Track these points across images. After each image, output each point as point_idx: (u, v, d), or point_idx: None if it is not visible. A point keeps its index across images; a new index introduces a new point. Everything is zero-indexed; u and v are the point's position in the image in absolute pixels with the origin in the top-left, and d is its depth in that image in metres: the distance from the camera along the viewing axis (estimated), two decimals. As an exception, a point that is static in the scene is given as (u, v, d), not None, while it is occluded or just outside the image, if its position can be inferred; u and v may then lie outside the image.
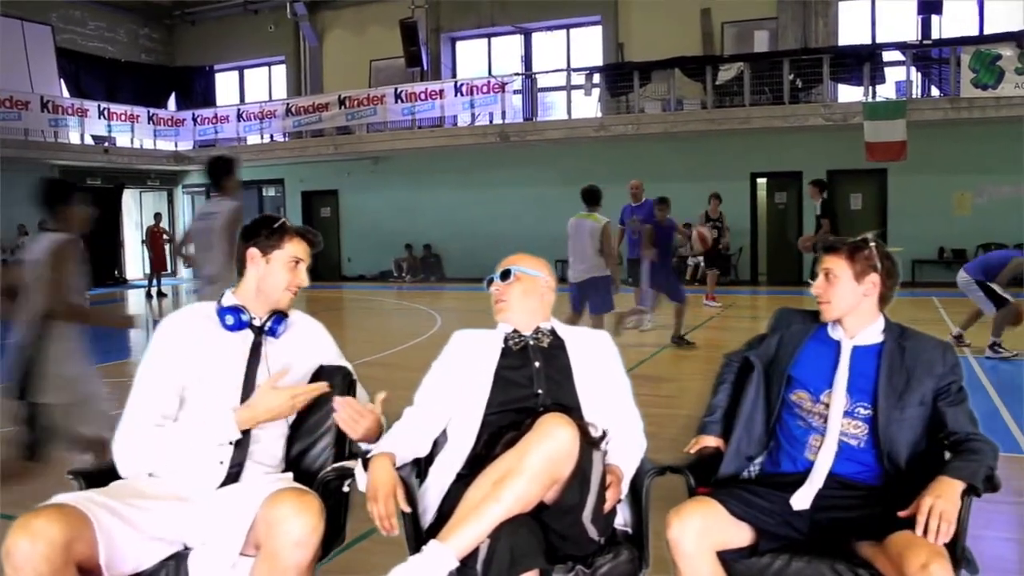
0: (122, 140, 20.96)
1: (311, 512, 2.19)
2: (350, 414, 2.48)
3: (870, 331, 2.57)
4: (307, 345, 2.73)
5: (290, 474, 2.58)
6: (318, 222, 22.05)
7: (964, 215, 16.36)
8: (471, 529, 2.15)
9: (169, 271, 20.88)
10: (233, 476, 2.47)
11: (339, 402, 2.50)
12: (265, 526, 2.18)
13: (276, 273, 2.61)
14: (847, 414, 2.49)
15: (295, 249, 2.63)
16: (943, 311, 11.73)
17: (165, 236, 19.30)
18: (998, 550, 3.79)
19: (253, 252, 2.62)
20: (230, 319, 2.56)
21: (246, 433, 2.50)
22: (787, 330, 2.71)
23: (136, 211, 23.48)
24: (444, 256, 20.51)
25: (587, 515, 2.24)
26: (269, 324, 2.61)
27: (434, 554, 2.12)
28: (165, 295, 18.28)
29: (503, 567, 2.10)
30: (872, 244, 2.58)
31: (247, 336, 2.60)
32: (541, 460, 2.19)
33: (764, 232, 18.13)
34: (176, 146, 22.12)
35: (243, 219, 5.27)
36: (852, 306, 2.55)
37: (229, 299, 2.63)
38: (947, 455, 2.43)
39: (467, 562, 2.14)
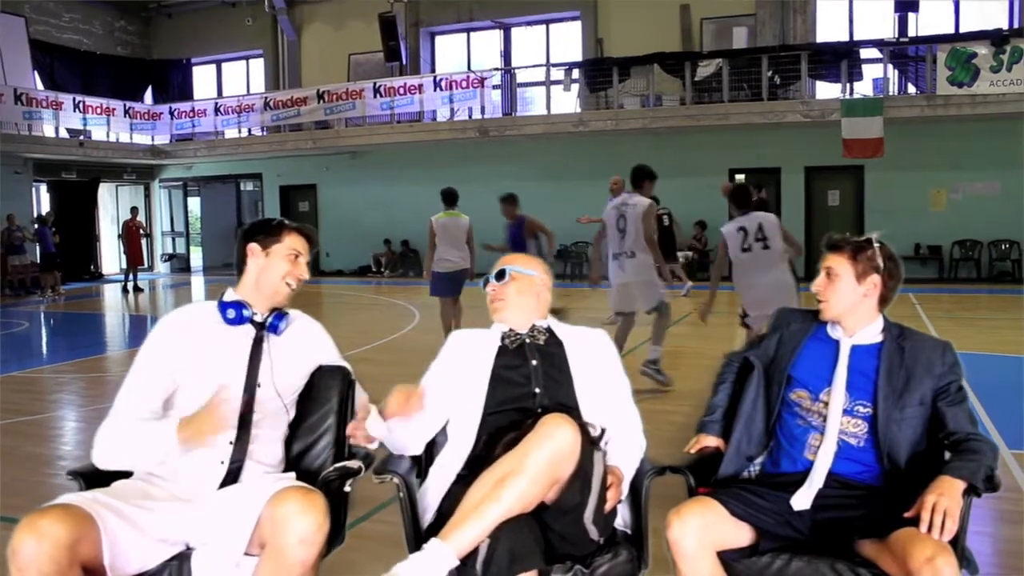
0: (98, 133, 20.72)
1: (317, 510, 2.19)
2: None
3: (869, 330, 2.57)
4: (308, 344, 2.74)
5: (292, 474, 2.57)
6: (296, 217, 21.80)
7: (940, 211, 16.50)
8: (472, 528, 2.15)
9: (145, 265, 20.72)
10: (233, 476, 2.46)
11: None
12: (271, 524, 2.17)
13: (276, 265, 2.63)
14: (846, 412, 2.49)
15: (294, 243, 2.66)
16: (919, 307, 11.82)
17: (142, 231, 19.11)
18: (972, 544, 3.82)
19: (253, 247, 2.64)
20: (231, 313, 2.56)
21: (245, 432, 2.49)
22: (787, 329, 2.71)
23: (112, 205, 23.28)
24: (422, 251, 20.43)
25: (588, 515, 2.25)
26: (271, 320, 2.61)
27: (435, 552, 2.13)
28: (142, 290, 18.11)
29: (502, 567, 2.10)
30: (876, 244, 2.58)
31: (248, 331, 2.59)
32: (542, 460, 2.19)
33: (742, 228, 18.17)
34: (153, 140, 21.93)
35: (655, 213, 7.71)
36: (851, 306, 2.55)
37: (230, 295, 2.63)
38: (946, 455, 2.44)
39: (467, 561, 2.15)
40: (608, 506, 2.35)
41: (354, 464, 2.51)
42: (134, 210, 19.54)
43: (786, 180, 17.55)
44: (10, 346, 10.88)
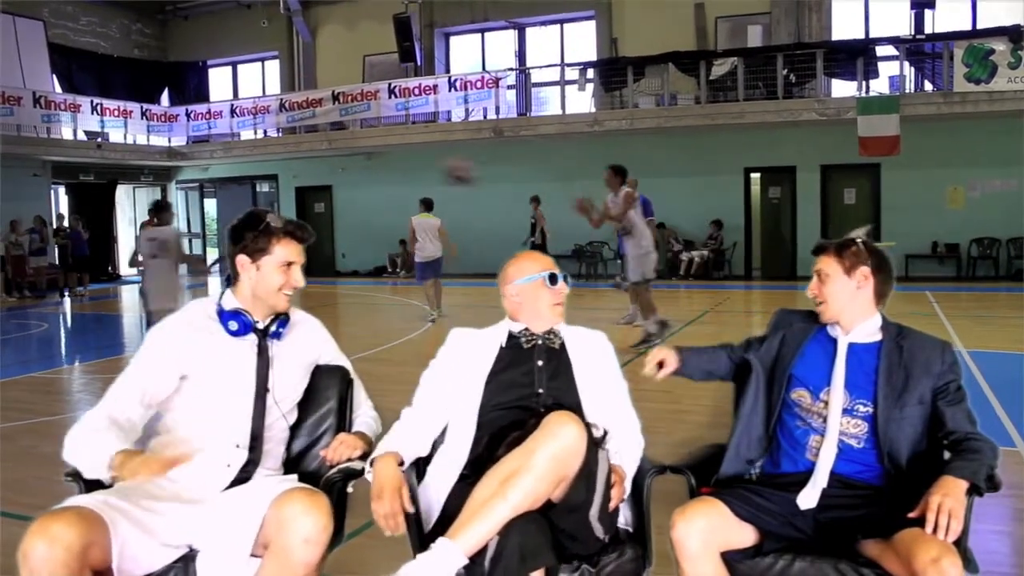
0: (115, 136, 20.92)
1: (321, 511, 2.19)
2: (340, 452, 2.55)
3: (867, 328, 2.57)
4: (308, 344, 2.72)
5: (295, 476, 2.57)
6: (312, 218, 22.00)
7: (957, 209, 16.39)
8: (479, 527, 2.15)
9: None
10: (242, 479, 2.47)
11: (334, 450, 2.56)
12: (275, 524, 2.18)
13: (268, 278, 2.54)
14: (847, 412, 2.49)
15: (284, 252, 2.55)
16: (937, 306, 11.75)
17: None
18: (990, 544, 3.81)
19: (242, 260, 2.55)
20: (233, 324, 2.52)
21: (257, 440, 2.50)
22: (789, 330, 2.71)
23: (130, 207, 23.44)
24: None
25: (594, 513, 2.25)
26: (273, 327, 2.59)
27: (443, 551, 2.13)
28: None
29: (512, 564, 2.10)
30: (859, 240, 2.60)
31: (252, 340, 2.56)
32: (548, 458, 2.20)
33: (758, 227, 18.15)
34: (169, 142, 22.07)
35: None
36: (847, 302, 2.56)
37: (230, 301, 2.59)
38: (946, 454, 2.43)
39: (475, 560, 2.15)
40: (612, 504, 2.35)
41: (357, 465, 2.48)
42: (151, 212, 19.62)
43: (802, 179, 17.49)
44: (32, 347, 10.97)
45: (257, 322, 2.57)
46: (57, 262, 18.78)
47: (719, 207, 17.81)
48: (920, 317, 9.94)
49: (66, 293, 17.85)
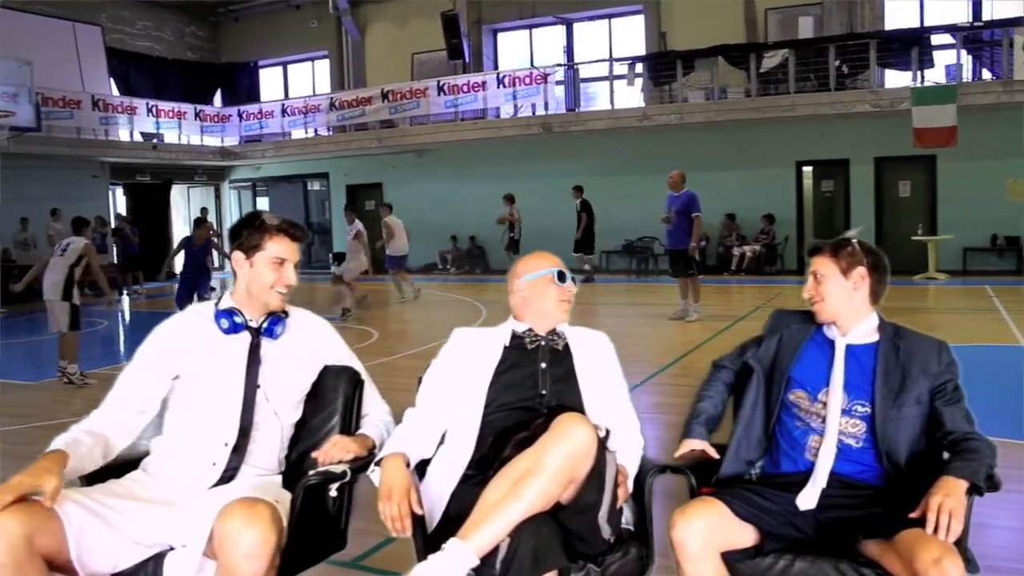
0: (170, 136, 21.35)
1: (261, 524, 2.12)
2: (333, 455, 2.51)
3: (864, 329, 2.57)
4: (309, 345, 2.70)
5: (279, 478, 2.56)
6: (363, 215, 22.21)
7: (1018, 201, 16.00)
8: (491, 528, 2.14)
9: (216, 265, 21.19)
10: (227, 478, 2.47)
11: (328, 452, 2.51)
12: (219, 538, 2.14)
13: (261, 274, 2.56)
14: (845, 412, 2.48)
15: (277, 248, 2.57)
16: (996, 300, 11.49)
17: (212, 231, 19.56)
18: (1012, 540, 3.77)
19: (237, 256, 2.58)
20: (225, 323, 2.55)
21: (244, 439, 2.51)
22: (786, 331, 2.70)
23: (184, 206, 23.89)
24: (488, 248, 20.55)
25: (603, 514, 2.25)
26: (266, 325, 2.59)
27: (455, 552, 2.12)
28: (214, 288, 18.51)
29: (525, 566, 2.09)
30: (854, 241, 2.60)
31: (245, 338, 2.57)
32: (561, 459, 2.19)
33: (810, 221, 17.92)
34: (222, 142, 22.45)
35: None
36: (844, 303, 2.56)
37: (226, 301, 2.62)
38: (945, 454, 2.42)
39: (486, 560, 2.14)
40: (617, 504, 2.34)
41: (337, 469, 2.43)
42: (204, 211, 19.99)
43: (855, 171, 17.23)
44: (96, 343, 11.25)
45: (250, 320, 2.58)
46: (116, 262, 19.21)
47: (771, 201, 17.62)
48: (979, 312, 9.78)
49: (124, 291, 18.26)
